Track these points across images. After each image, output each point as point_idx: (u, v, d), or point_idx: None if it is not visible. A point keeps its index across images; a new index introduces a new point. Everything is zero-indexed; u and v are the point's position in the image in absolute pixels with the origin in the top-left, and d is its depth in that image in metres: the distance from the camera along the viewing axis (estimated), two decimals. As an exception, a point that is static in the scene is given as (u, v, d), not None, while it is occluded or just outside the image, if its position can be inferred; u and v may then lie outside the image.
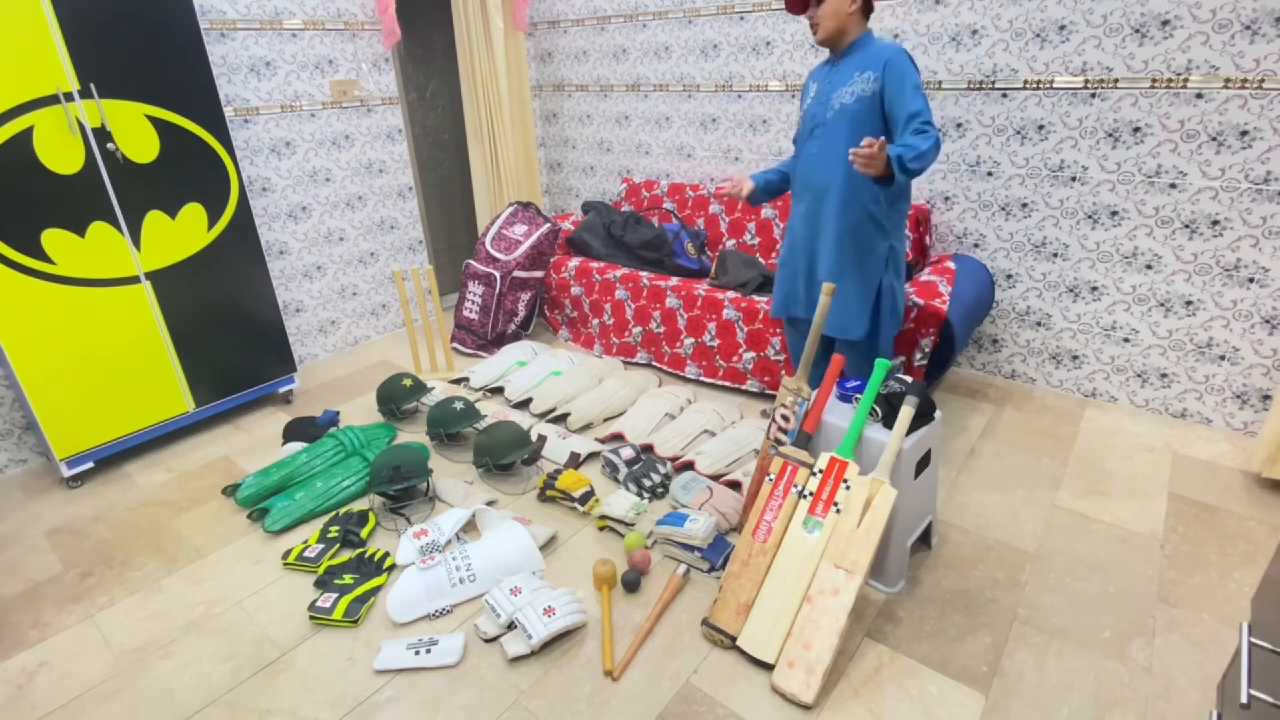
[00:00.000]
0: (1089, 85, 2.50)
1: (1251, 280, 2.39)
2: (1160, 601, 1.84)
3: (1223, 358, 2.51)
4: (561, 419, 2.88)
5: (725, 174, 3.64)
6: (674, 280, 3.18)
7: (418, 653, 1.76)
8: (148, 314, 2.61)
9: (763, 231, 3.41)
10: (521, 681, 1.69)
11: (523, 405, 3.00)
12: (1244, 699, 0.81)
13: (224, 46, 2.96)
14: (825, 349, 2.44)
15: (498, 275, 3.47)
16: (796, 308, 2.37)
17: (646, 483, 2.33)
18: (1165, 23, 2.32)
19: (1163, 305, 2.58)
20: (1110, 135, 2.51)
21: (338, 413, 2.90)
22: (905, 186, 2.14)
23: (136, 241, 2.54)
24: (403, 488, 2.28)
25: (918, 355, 2.55)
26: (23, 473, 2.70)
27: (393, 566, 2.08)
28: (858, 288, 2.18)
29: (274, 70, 3.14)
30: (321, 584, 2.02)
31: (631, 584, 1.94)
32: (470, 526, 2.24)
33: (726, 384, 3.03)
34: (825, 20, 2.02)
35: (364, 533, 2.21)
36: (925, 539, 2.04)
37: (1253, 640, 0.90)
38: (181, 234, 2.65)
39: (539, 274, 3.58)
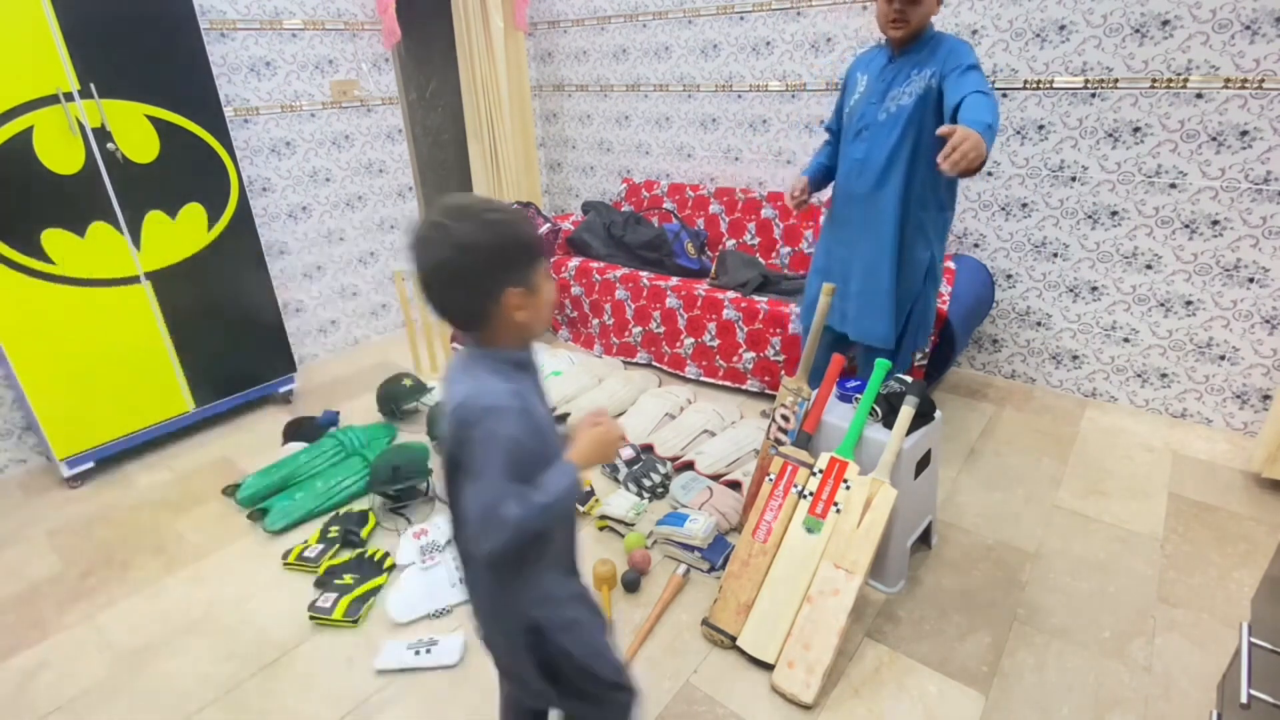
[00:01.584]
0: (1089, 85, 2.50)
1: (1251, 280, 2.39)
2: (1160, 601, 1.84)
3: (1223, 358, 2.51)
4: (561, 419, 2.88)
5: (725, 175, 3.64)
6: (674, 280, 3.18)
7: (418, 653, 1.76)
8: (148, 314, 2.61)
9: (762, 231, 3.41)
10: (521, 681, 1.69)
11: (523, 405, 3.00)
12: (1244, 699, 0.81)
13: (224, 46, 2.96)
14: (826, 351, 2.42)
15: (498, 275, 3.47)
16: (831, 319, 2.20)
17: (646, 483, 2.33)
18: (1165, 23, 2.32)
19: (1163, 305, 2.58)
20: (1110, 135, 2.51)
21: (338, 413, 2.90)
22: (953, 194, 2.02)
23: (136, 241, 2.54)
24: (403, 488, 2.28)
25: (918, 355, 2.55)
26: (23, 473, 2.70)
27: (393, 566, 2.08)
28: (892, 297, 2.05)
29: (274, 70, 3.13)
30: (321, 584, 2.01)
31: (631, 584, 1.94)
32: (470, 526, 2.23)
33: (726, 384, 3.03)
34: (915, 17, 1.82)
35: (364, 533, 2.21)
36: (925, 539, 2.04)
37: (1253, 640, 0.90)
38: (181, 234, 2.65)
39: (539, 274, 3.58)
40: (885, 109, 1.92)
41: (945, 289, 2.56)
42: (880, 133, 1.94)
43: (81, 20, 2.28)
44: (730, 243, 3.53)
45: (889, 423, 1.80)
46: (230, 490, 2.44)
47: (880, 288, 2.07)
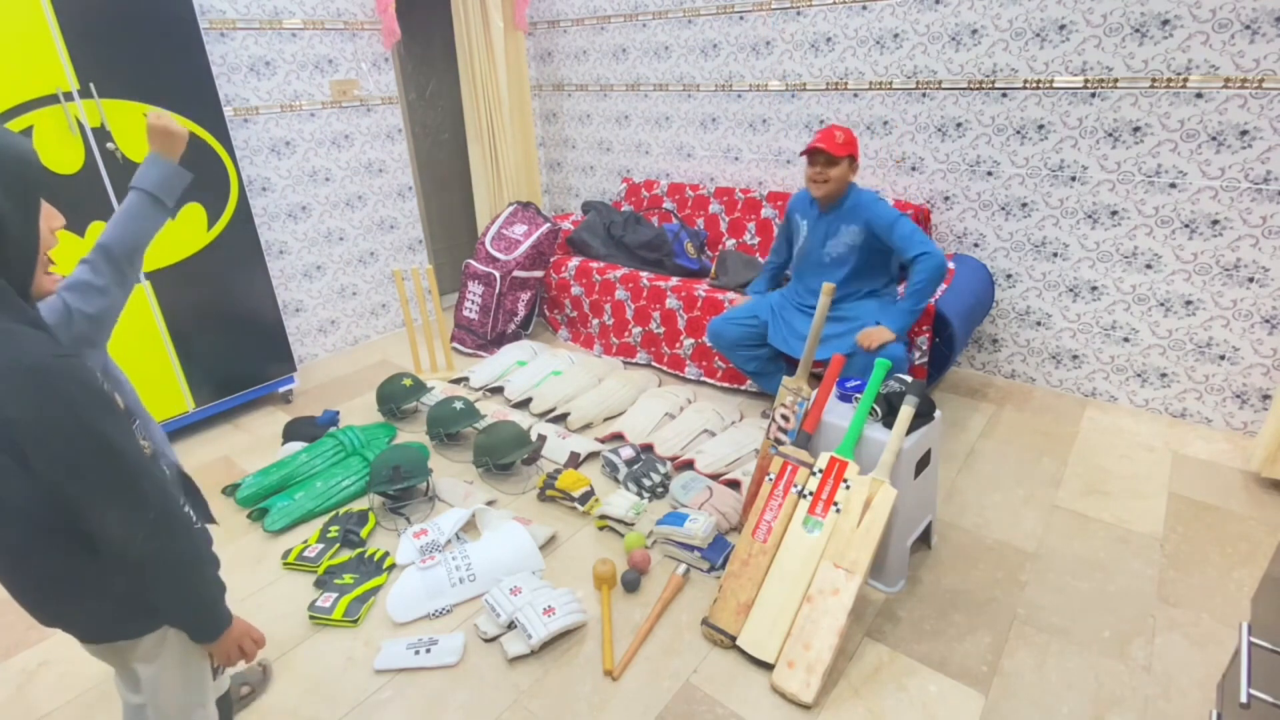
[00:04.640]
0: (1089, 85, 2.50)
1: (1251, 280, 2.39)
2: (1160, 601, 1.84)
3: (1222, 357, 2.51)
4: (561, 419, 2.88)
5: (725, 175, 3.64)
6: (674, 280, 3.18)
7: (418, 652, 1.76)
8: (147, 314, 2.61)
9: (762, 231, 3.41)
10: (521, 681, 1.69)
11: (523, 405, 3.00)
12: (1244, 699, 0.81)
13: (224, 46, 2.96)
14: (770, 360, 2.67)
15: (498, 275, 3.47)
16: (774, 338, 2.56)
17: (646, 482, 2.33)
18: (1165, 22, 2.32)
19: (1163, 305, 2.58)
20: (1110, 135, 2.51)
21: (337, 412, 2.90)
22: (887, 272, 2.41)
23: (136, 241, 2.53)
24: (402, 487, 2.27)
25: (915, 354, 2.55)
26: (22, 472, 2.69)
27: (393, 566, 2.08)
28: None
29: (274, 70, 3.13)
30: (321, 584, 2.01)
31: (631, 584, 1.94)
32: (470, 526, 2.23)
33: (726, 384, 3.03)
34: (835, 181, 2.26)
35: (364, 532, 2.21)
36: (925, 539, 2.04)
37: (1252, 640, 0.90)
38: (181, 234, 2.65)
39: (539, 274, 3.58)
40: (828, 253, 2.38)
41: (942, 286, 2.56)
42: (830, 270, 2.40)
43: (81, 20, 2.28)
44: (730, 243, 3.53)
45: (889, 422, 1.80)
46: (230, 490, 2.44)
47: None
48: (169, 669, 1.11)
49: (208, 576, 1.05)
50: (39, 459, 0.86)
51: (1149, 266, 2.57)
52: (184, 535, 0.99)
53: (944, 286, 2.57)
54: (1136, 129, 2.46)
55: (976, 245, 2.93)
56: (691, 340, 3.08)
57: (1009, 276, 2.89)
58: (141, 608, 1.04)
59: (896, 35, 2.86)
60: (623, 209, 3.81)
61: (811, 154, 2.28)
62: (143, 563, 0.95)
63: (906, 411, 1.76)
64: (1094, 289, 2.70)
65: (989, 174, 2.81)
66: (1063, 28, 2.50)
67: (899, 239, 2.22)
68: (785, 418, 2.06)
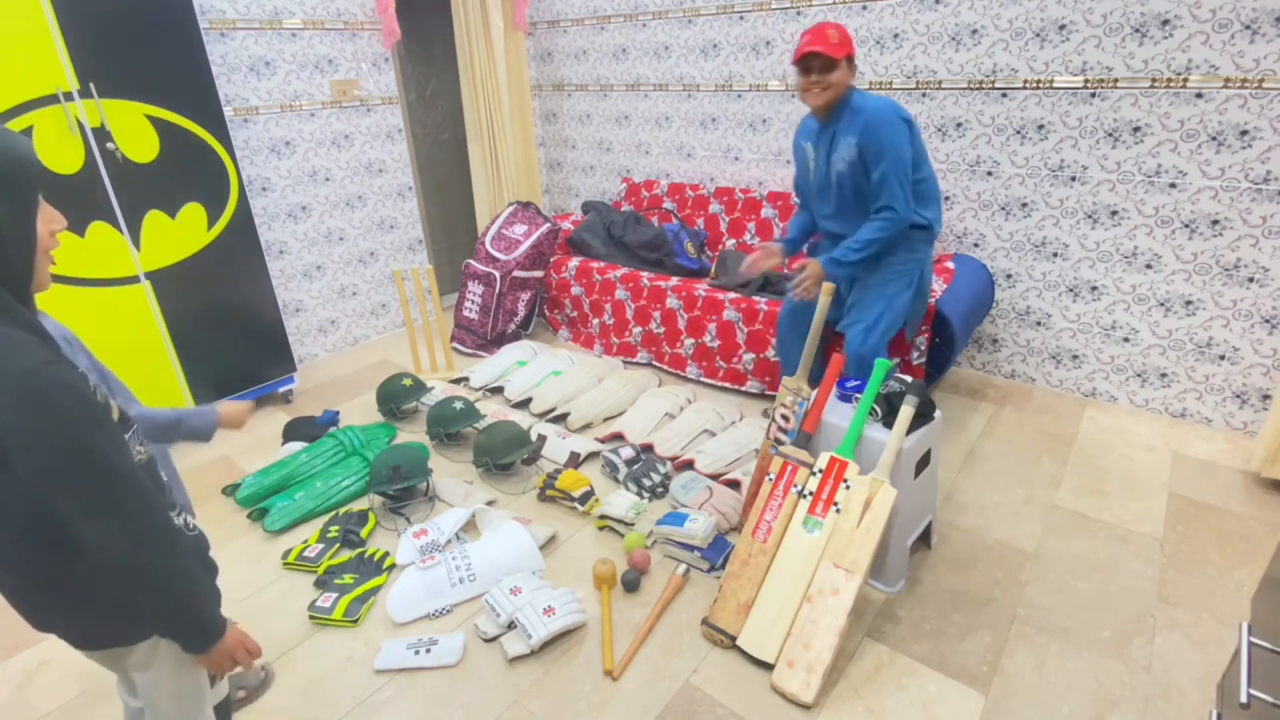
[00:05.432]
0: (1089, 85, 2.50)
1: (1251, 280, 2.39)
2: (1160, 601, 1.84)
3: (1222, 357, 2.51)
4: (561, 419, 2.88)
5: (725, 175, 3.64)
6: (674, 280, 3.18)
7: (418, 652, 1.76)
8: (147, 314, 2.61)
9: (762, 232, 3.41)
10: (521, 681, 1.69)
11: (523, 405, 3.00)
12: (1244, 699, 0.81)
13: (224, 46, 2.96)
14: (799, 344, 2.49)
15: (498, 275, 3.47)
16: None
17: (646, 482, 2.33)
18: (1165, 22, 2.32)
19: (1163, 305, 2.58)
20: (1110, 135, 2.51)
21: (337, 412, 2.90)
22: (923, 226, 2.19)
23: (136, 241, 2.54)
24: (402, 487, 2.27)
25: (914, 354, 2.55)
26: (22, 472, 2.69)
27: (393, 566, 2.09)
28: (886, 312, 2.21)
29: (274, 70, 3.13)
30: (321, 584, 2.02)
31: (631, 584, 1.94)
32: (470, 526, 2.24)
33: (727, 384, 3.03)
34: (835, 86, 2.03)
35: (364, 532, 2.21)
36: (925, 539, 2.04)
37: (1252, 640, 0.90)
38: (181, 234, 2.65)
39: (539, 274, 3.58)
40: (835, 169, 2.17)
41: (941, 286, 2.56)
42: (836, 190, 2.21)
43: (81, 20, 2.28)
44: (730, 243, 3.53)
45: (889, 422, 1.80)
46: (230, 490, 2.44)
47: (872, 303, 2.24)
48: (163, 677, 1.10)
49: (197, 588, 1.01)
50: (22, 465, 0.85)
51: (1149, 266, 2.57)
52: (169, 548, 0.95)
53: (943, 285, 2.57)
54: (1136, 129, 2.46)
55: (976, 245, 2.93)
56: (692, 340, 3.08)
57: (1009, 276, 2.89)
58: (131, 615, 1.03)
59: (896, 35, 2.86)
60: (623, 209, 3.81)
61: (804, 61, 2.00)
62: (127, 573, 0.93)
63: (906, 411, 1.76)
64: (1094, 289, 2.70)
65: (989, 174, 2.81)
66: (1063, 28, 2.50)
67: (877, 182, 2.06)
68: (785, 418, 2.06)
